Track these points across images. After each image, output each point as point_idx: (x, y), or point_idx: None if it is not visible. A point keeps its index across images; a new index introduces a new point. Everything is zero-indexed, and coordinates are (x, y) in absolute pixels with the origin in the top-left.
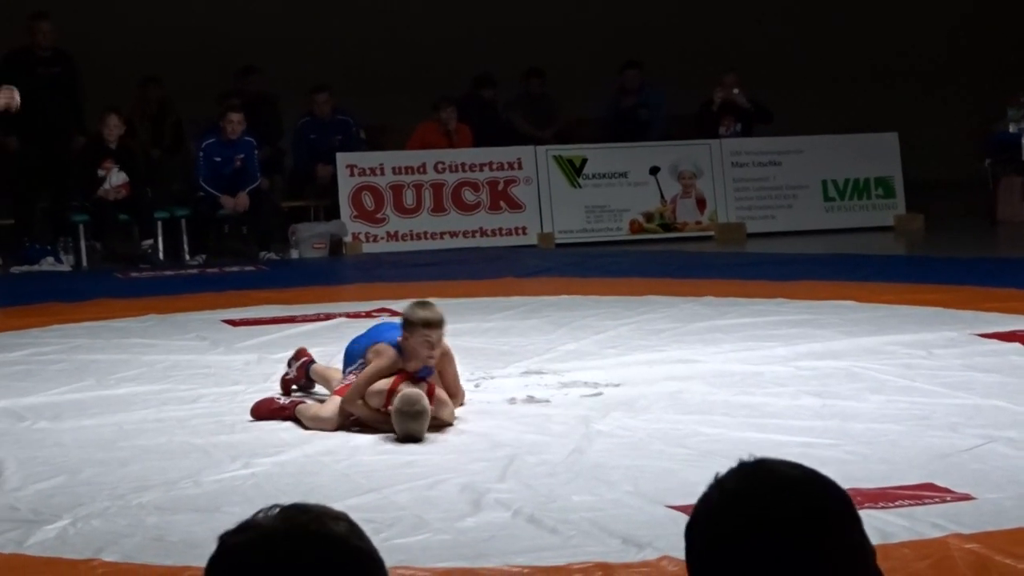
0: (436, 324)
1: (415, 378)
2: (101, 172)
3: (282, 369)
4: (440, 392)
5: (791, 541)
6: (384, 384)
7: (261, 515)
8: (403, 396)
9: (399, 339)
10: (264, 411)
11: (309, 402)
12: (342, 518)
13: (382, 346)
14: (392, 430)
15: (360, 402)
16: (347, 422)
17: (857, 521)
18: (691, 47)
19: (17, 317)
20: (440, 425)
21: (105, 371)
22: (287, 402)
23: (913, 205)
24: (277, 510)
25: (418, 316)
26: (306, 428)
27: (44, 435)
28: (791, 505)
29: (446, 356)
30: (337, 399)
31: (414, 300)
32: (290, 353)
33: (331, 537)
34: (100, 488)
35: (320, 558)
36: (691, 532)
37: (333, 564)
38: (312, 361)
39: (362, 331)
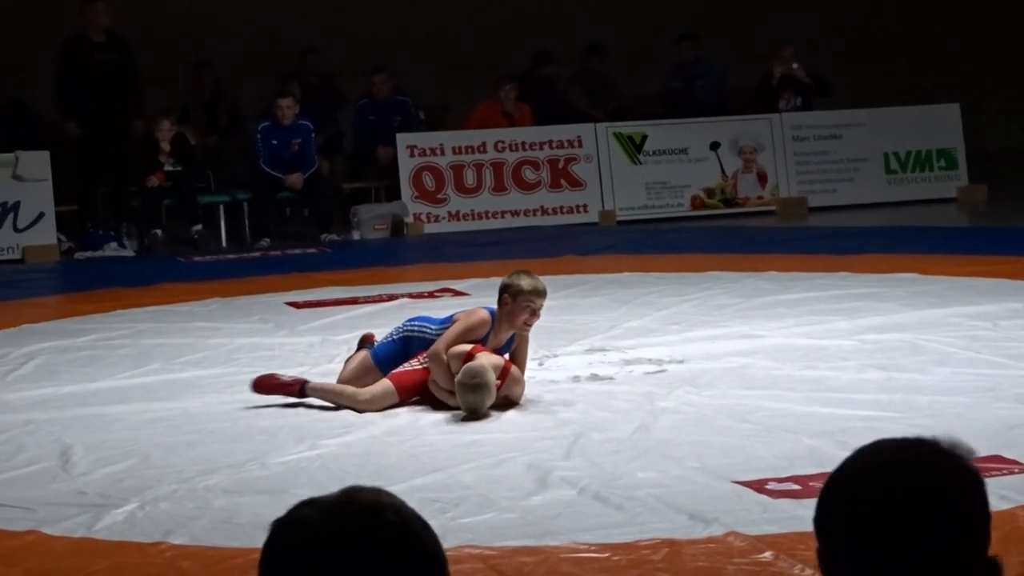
0: (543, 293)
1: (493, 351)
2: (152, 181)
3: (346, 350)
4: (515, 370)
5: (922, 509)
6: (464, 348)
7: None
8: (466, 369)
9: (496, 308)
10: (266, 386)
11: (322, 381)
12: (395, 497)
13: (477, 308)
14: (457, 408)
15: (444, 356)
16: (392, 406)
17: (983, 504)
18: (749, 20)
19: (82, 303)
20: (509, 403)
21: (170, 355)
22: (290, 379)
23: (976, 176)
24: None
25: (526, 283)
26: (358, 411)
27: (111, 420)
28: (923, 477)
29: (523, 337)
30: (387, 382)
31: (516, 270)
32: (353, 335)
33: (387, 514)
34: (167, 471)
35: (380, 533)
36: (826, 499)
37: (391, 542)
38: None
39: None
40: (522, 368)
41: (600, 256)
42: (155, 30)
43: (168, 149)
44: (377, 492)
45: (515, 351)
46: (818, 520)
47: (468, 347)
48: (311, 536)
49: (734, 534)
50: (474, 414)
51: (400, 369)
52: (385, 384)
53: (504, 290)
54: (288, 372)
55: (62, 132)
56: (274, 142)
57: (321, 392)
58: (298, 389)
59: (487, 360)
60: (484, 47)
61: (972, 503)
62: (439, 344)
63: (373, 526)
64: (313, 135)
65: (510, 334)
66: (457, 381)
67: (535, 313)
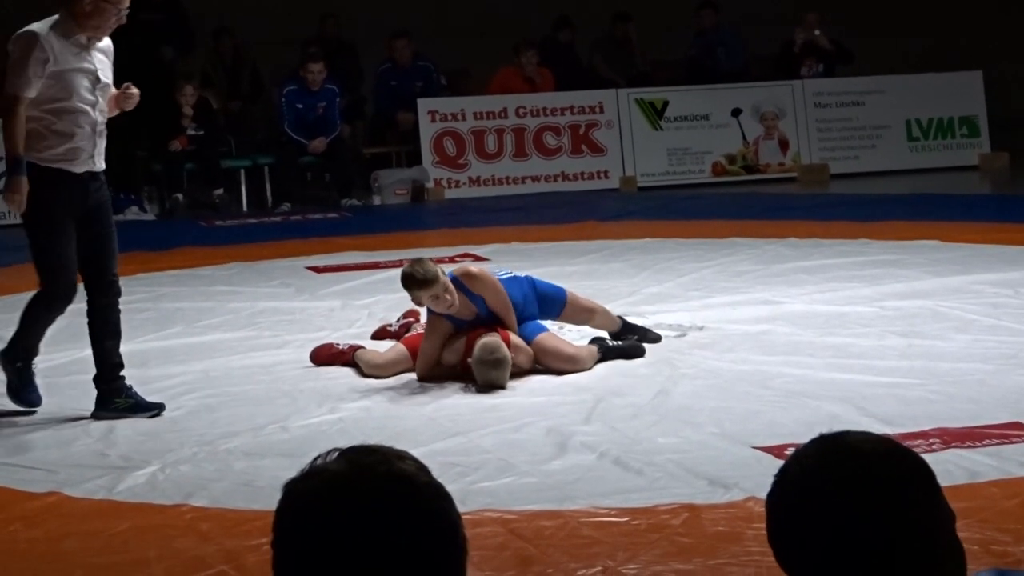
0: (408, 284)
1: (490, 328)
2: (175, 145)
3: (367, 314)
4: (515, 339)
5: (869, 515)
6: (461, 340)
7: (321, 460)
8: (482, 344)
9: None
10: (324, 356)
11: (368, 348)
12: (407, 457)
13: (431, 318)
14: (474, 379)
15: (435, 368)
16: (405, 370)
17: (936, 493)
18: None
19: None
20: (519, 371)
21: (191, 319)
22: (346, 347)
23: (998, 144)
24: (338, 453)
25: (402, 276)
26: (364, 375)
27: (132, 382)
28: (870, 480)
29: (480, 281)
30: (400, 347)
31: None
32: (373, 299)
33: (399, 476)
34: (188, 434)
35: (391, 497)
36: (771, 504)
37: (404, 503)
38: (417, 321)
39: None
40: (511, 325)
41: (621, 222)
42: None
43: (191, 114)
44: (389, 453)
45: (496, 313)
46: (775, 501)
47: (464, 337)
48: (325, 499)
49: (754, 499)
50: (493, 388)
51: (413, 333)
52: (399, 349)
53: None
54: (345, 340)
55: None
56: (299, 106)
57: (359, 358)
58: (351, 357)
59: (489, 338)
60: (505, 12)
61: (928, 490)
62: (428, 356)
63: (385, 490)
64: (338, 99)
65: (451, 312)
66: (475, 358)
67: (433, 299)
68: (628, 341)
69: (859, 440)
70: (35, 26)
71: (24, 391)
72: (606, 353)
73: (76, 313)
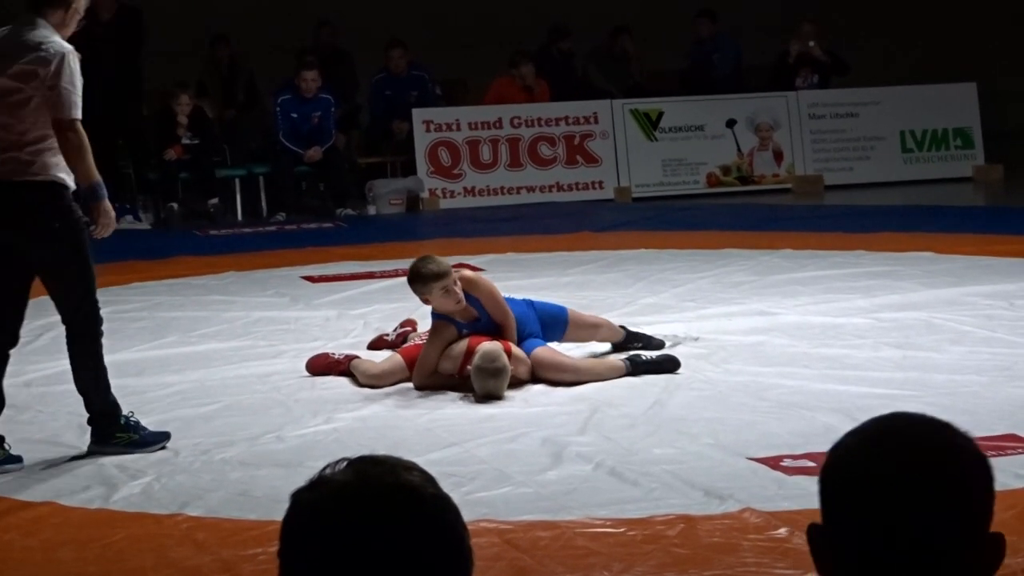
0: (411, 280)
1: (490, 337)
2: (170, 154)
3: (362, 324)
4: (516, 350)
5: (924, 484)
6: (460, 347)
7: (329, 470)
8: (483, 353)
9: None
10: (319, 365)
11: (364, 358)
12: (414, 468)
13: (435, 323)
14: (470, 389)
15: (432, 376)
16: (401, 380)
17: (989, 483)
18: None
19: (98, 275)
20: (517, 382)
21: (186, 328)
22: (342, 357)
23: (992, 155)
24: (345, 463)
25: (418, 276)
26: (360, 384)
27: (127, 392)
28: (926, 451)
29: (474, 283)
30: (397, 357)
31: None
32: (369, 309)
33: (406, 487)
34: (184, 443)
35: (397, 509)
36: (825, 477)
37: (411, 514)
38: (414, 331)
39: None
40: (511, 333)
41: (616, 233)
42: (171, 5)
43: (186, 122)
44: (396, 464)
45: (494, 320)
46: (822, 483)
47: (464, 344)
48: (331, 509)
49: (749, 510)
50: (491, 398)
51: (411, 344)
52: (395, 359)
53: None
54: (340, 350)
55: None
56: (294, 115)
57: (355, 368)
58: (347, 366)
59: (491, 345)
60: (501, 22)
61: (982, 477)
62: (421, 371)
63: (391, 501)
64: (333, 109)
65: (458, 309)
66: (475, 366)
67: (444, 292)
68: (661, 355)
69: (914, 415)
70: (62, 40)
71: (146, 436)
72: (636, 368)
73: None
